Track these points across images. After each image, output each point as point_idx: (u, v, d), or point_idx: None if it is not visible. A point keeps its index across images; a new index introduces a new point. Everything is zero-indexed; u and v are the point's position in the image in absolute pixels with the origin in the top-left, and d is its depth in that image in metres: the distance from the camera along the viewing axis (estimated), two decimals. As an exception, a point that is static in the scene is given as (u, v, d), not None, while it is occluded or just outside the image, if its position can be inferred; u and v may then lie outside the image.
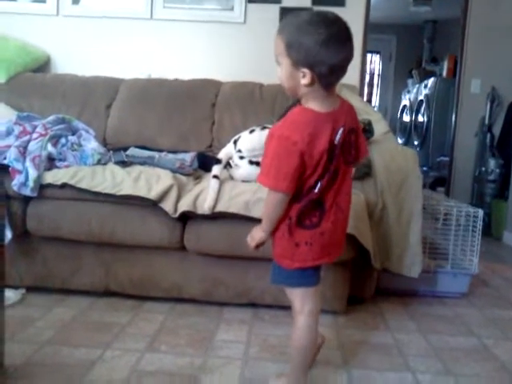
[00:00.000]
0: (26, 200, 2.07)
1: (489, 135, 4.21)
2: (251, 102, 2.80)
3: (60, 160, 2.22)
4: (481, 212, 2.32)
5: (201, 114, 2.78)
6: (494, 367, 1.68)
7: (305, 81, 1.14)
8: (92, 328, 1.83)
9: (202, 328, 1.88)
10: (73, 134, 2.42)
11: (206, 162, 2.46)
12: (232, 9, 3.36)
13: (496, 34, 4.18)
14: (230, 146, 2.30)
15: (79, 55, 3.34)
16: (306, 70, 1.13)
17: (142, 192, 2.00)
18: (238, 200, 1.97)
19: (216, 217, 1.97)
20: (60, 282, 2.13)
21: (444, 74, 5.57)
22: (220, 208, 1.96)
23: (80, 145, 2.35)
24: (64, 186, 2.04)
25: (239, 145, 2.25)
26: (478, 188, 4.23)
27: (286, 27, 1.17)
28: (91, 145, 2.37)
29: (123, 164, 2.29)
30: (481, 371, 1.64)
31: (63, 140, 2.31)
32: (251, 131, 2.29)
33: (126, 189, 2.02)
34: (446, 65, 5.54)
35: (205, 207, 1.95)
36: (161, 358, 1.62)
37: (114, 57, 3.34)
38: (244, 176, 2.18)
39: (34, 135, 2.22)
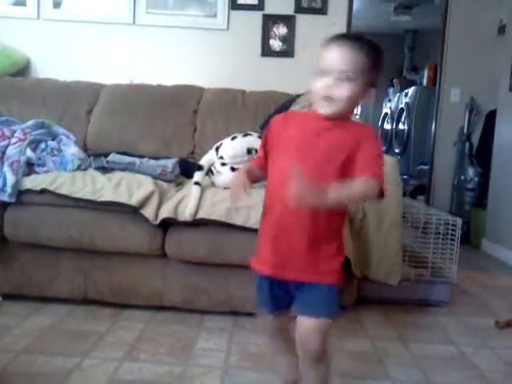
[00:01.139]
0: (4, 206, 2.03)
1: (467, 144, 4.27)
2: (233, 109, 2.80)
3: (39, 165, 2.19)
4: (459, 220, 2.35)
5: (183, 120, 2.77)
6: (473, 376, 1.69)
7: (371, 99, 1.20)
8: (70, 336, 1.80)
9: (182, 336, 1.86)
10: (53, 139, 2.39)
11: (187, 169, 2.45)
12: (215, 15, 3.37)
13: (475, 45, 4.25)
14: (212, 152, 2.29)
15: (60, 59, 3.31)
16: (373, 90, 1.19)
17: (122, 198, 1.99)
18: (219, 207, 1.96)
19: (197, 224, 1.96)
20: (37, 290, 2.09)
21: (424, 82, 5.65)
22: (201, 215, 1.95)
23: (60, 150, 2.33)
24: (43, 191, 2.01)
25: (221, 151, 2.25)
26: (457, 196, 4.28)
27: (368, 49, 1.17)
28: (71, 150, 2.34)
29: (104, 170, 2.26)
30: (460, 380, 1.65)
31: (43, 145, 2.29)
32: (233, 138, 2.29)
33: (107, 195, 2.00)
34: (426, 74, 5.62)
35: (186, 214, 1.94)
36: (140, 366, 1.60)
37: (96, 62, 3.31)
38: (226, 183, 2.18)
39: (13, 140, 2.18)
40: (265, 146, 1.26)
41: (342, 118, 1.19)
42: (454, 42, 4.32)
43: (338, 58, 1.14)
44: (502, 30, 4.04)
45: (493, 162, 3.79)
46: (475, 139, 4.32)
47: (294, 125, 1.22)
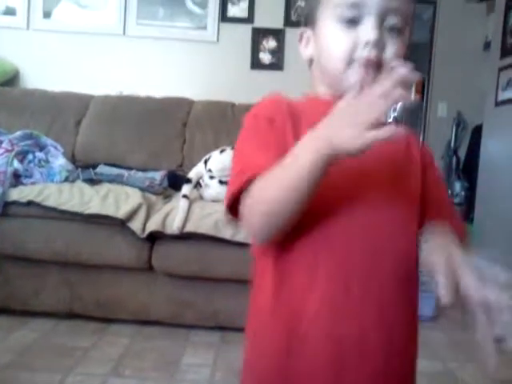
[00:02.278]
0: (-11, 217, 2.01)
1: (454, 158, 4.31)
2: (223, 122, 2.80)
3: (26, 177, 2.18)
4: (446, 235, 2.36)
5: (172, 133, 2.76)
6: (458, 391, 1.70)
7: None
8: (54, 352, 1.78)
9: (168, 351, 1.85)
10: (40, 150, 2.37)
11: (176, 181, 2.45)
12: (205, 27, 3.38)
13: (461, 60, 4.31)
14: (201, 165, 2.29)
15: (49, 70, 3.30)
16: None
17: (109, 211, 1.97)
18: (207, 220, 1.96)
19: (185, 237, 1.95)
20: (22, 304, 2.06)
21: (412, 97, 5.71)
22: (189, 228, 1.94)
23: (47, 161, 2.31)
24: (30, 203, 1.99)
25: (210, 164, 2.25)
26: (444, 210, 4.31)
27: None
28: (59, 161, 2.33)
29: (91, 182, 2.25)
30: (445, 395, 1.66)
31: (30, 156, 2.27)
32: (222, 151, 2.30)
33: (94, 207, 1.99)
34: (413, 88, 5.68)
35: (174, 227, 1.93)
36: (125, 382, 1.59)
37: (85, 73, 3.31)
38: (214, 196, 2.18)
39: (0, 151, 2.17)
40: (277, 151, 0.62)
41: None
42: (441, 57, 4.38)
43: None
44: (487, 45, 4.11)
45: (479, 176, 3.82)
46: (462, 153, 4.36)
47: (308, 125, 0.61)
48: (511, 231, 3.23)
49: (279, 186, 0.57)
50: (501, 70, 3.55)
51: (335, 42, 0.66)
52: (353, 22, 0.64)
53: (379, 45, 0.64)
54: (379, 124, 0.54)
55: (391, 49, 0.65)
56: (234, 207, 0.63)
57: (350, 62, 0.65)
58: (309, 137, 0.57)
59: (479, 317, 0.54)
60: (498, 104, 3.60)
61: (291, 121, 0.66)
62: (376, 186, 0.64)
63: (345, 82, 0.66)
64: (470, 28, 4.32)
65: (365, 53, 0.64)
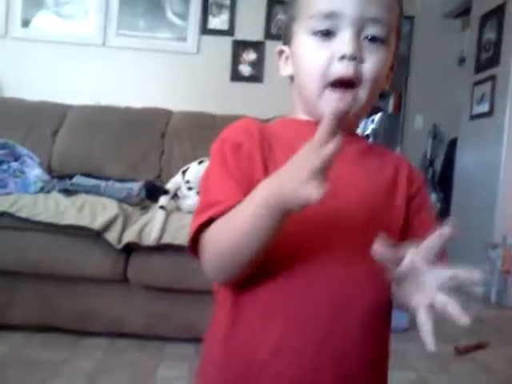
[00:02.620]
0: (-39, 228, 1.98)
1: (430, 170, 4.39)
2: (201, 133, 2.80)
3: (0, 187, 2.15)
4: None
5: (150, 143, 2.75)
6: (431, 402, 1.71)
7: (387, 86, 0.69)
8: (25, 366, 1.74)
9: (143, 365, 1.83)
10: (15, 160, 2.34)
11: (154, 192, 2.44)
12: (185, 39, 3.40)
13: (437, 74, 4.40)
14: (179, 176, 2.29)
15: (27, 79, 3.27)
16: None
17: (85, 222, 1.96)
18: (184, 231, 1.95)
19: (162, 248, 1.94)
20: (-7, 316, 2.03)
21: (390, 109, 5.79)
22: (166, 239, 1.94)
23: (22, 172, 2.28)
24: (3, 214, 1.96)
25: (188, 175, 2.25)
26: (420, 221, 4.37)
27: None
28: (34, 172, 2.31)
29: (67, 192, 2.23)
30: (419, 406, 1.67)
31: (5, 166, 2.24)
32: (200, 162, 2.30)
33: (69, 218, 1.97)
34: (391, 101, 5.76)
35: (150, 238, 1.92)
36: (98, 396, 1.57)
37: (64, 82, 3.29)
38: (191, 207, 2.17)
39: (-27, 161, 2.14)
40: (242, 180, 0.61)
41: (353, 131, 0.69)
42: (418, 70, 4.46)
43: None
44: (462, 60, 4.20)
45: (454, 188, 3.89)
46: (438, 165, 4.44)
47: (282, 149, 0.62)
48: (486, 242, 3.28)
49: (236, 228, 0.55)
50: (475, 84, 3.64)
51: (310, 56, 0.62)
52: (328, 34, 0.61)
53: (357, 58, 0.59)
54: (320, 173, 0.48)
55: (371, 61, 0.61)
56: (195, 246, 0.62)
57: (325, 80, 0.61)
58: (269, 179, 0.54)
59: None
60: (472, 117, 3.68)
61: (261, 146, 0.63)
62: (348, 232, 0.60)
63: (320, 107, 0.62)
64: (446, 43, 4.42)
65: (340, 67, 0.60)
